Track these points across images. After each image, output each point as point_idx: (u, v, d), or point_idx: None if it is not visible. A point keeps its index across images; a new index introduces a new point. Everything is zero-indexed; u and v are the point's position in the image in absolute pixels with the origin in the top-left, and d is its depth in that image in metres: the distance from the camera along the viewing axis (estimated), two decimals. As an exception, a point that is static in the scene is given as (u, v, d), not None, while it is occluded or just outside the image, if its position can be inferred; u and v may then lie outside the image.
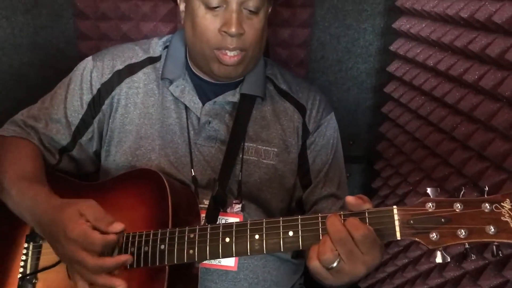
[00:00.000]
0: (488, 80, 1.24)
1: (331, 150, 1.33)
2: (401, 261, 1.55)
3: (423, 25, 1.59)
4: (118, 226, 0.99)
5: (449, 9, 1.41)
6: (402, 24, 1.72)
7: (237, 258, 1.20)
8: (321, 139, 1.32)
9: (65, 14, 1.75)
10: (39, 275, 1.14)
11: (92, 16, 1.76)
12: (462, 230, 0.84)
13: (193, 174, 1.24)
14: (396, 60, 1.79)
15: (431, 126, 1.52)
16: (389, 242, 1.59)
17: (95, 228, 0.98)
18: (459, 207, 0.86)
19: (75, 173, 1.34)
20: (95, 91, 1.28)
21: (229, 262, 1.20)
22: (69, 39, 1.78)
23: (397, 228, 0.88)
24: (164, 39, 1.35)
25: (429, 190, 0.89)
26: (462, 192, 0.88)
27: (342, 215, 0.91)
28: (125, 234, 1.06)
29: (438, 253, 0.87)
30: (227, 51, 1.16)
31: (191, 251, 1.00)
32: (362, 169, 2.05)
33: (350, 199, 0.91)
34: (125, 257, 0.99)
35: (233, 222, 1.00)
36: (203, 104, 1.27)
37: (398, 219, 0.88)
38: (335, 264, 0.88)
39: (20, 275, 1.14)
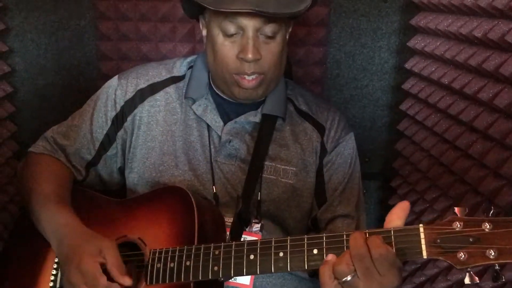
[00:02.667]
0: (503, 99, 1.25)
1: (348, 169, 1.34)
2: (418, 278, 1.54)
3: (438, 43, 1.60)
4: (127, 280, 1.03)
5: (463, 28, 1.43)
6: (417, 42, 1.74)
7: (252, 277, 1.21)
8: (338, 158, 1.33)
9: (87, 36, 1.81)
10: None
11: (113, 38, 1.81)
12: (492, 251, 0.82)
13: (214, 191, 1.27)
14: (412, 78, 1.80)
15: (447, 143, 1.53)
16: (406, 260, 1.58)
17: (108, 270, 1.03)
18: (488, 226, 0.83)
19: (101, 189, 1.38)
20: (118, 108, 1.33)
21: (245, 281, 1.21)
22: (91, 60, 1.84)
23: (423, 247, 0.86)
24: (189, 59, 1.39)
25: (456, 210, 0.87)
26: (491, 212, 0.85)
27: (367, 233, 0.90)
28: (151, 250, 1.10)
29: (467, 275, 0.84)
30: (245, 76, 1.20)
31: (215, 268, 1.02)
32: (379, 186, 2.05)
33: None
34: None
35: (257, 240, 1.01)
36: (225, 123, 1.30)
37: (424, 238, 0.87)
38: (349, 278, 0.88)
39: None
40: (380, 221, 2.06)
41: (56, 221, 1.15)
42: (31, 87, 1.83)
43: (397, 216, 0.91)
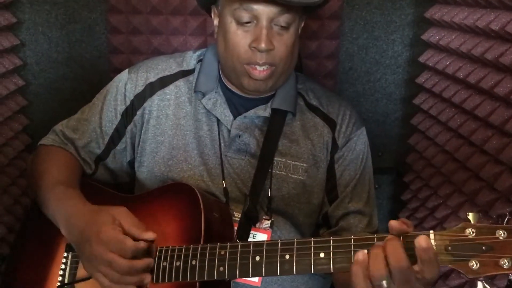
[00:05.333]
0: (520, 94, 1.23)
1: (360, 165, 1.32)
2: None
3: (453, 36, 1.57)
4: (150, 234, 1.05)
5: (479, 21, 1.40)
6: (432, 35, 1.71)
7: None
8: (350, 154, 1.32)
9: (98, 29, 1.81)
10: (76, 285, 1.17)
11: (124, 31, 1.80)
12: (505, 260, 0.78)
13: (224, 186, 1.26)
14: (426, 72, 1.77)
15: (461, 139, 1.50)
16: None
17: (127, 234, 1.03)
18: (503, 234, 0.80)
19: (111, 183, 1.39)
20: (128, 102, 1.32)
21: (253, 278, 1.20)
22: (102, 53, 1.84)
23: None
24: (199, 52, 1.38)
25: (470, 216, 0.84)
26: (506, 219, 0.82)
27: (376, 238, 0.88)
28: (158, 248, 1.09)
29: (479, 283, 0.82)
30: (256, 66, 1.18)
31: (221, 268, 1.01)
32: (391, 181, 2.03)
33: (393, 223, 0.87)
34: (150, 260, 1.04)
35: (264, 241, 1.00)
36: (234, 117, 1.29)
37: (435, 245, 0.83)
38: (384, 283, 0.83)
39: (58, 284, 1.18)
40: (391, 215, 2.06)
41: (63, 204, 1.15)
42: (42, 80, 1.84)
43: (405, 228, 0.87)
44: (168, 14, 1.79)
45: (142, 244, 1.03)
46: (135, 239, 1.03)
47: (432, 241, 0.84)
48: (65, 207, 1.14)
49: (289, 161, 1.28)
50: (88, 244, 1.04)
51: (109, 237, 1.02)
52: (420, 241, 0.82)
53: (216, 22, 1.26)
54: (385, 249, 0.84)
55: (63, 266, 1.19)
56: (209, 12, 1.30)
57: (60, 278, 1.18)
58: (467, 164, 1.43)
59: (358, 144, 1.33)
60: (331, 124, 1.32)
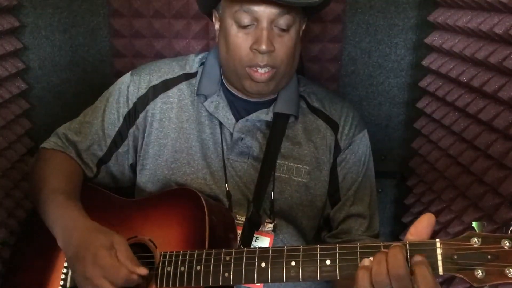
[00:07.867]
0: (524, 98, 1.22)
1: (362, 168, 1.32)
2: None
3: (456, 40, 1.57)
4: (143, 270, 1.03)
5: (483, 24, 1.39)
6: (435, 39, 1.70)
7: None
8: (352, 157, 1.31)
9: (101, 33, 1.81)
10: None
11: (127, 35, 1.80)
12: (511, 269, 0.80)
13: (227, 189, 1.26)
14: (429, 75, 1.77)
15: (465, 143, 1.49)
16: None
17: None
18: (508, 244, 0.81)
19: (113, 186, 1.38)
20: (131, 105, 1.32)
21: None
22: (105, 57, 1.84)
23: (440, 263, 0.84)
24: (201, 56, 1.38)
25: (474, 224, 0.85)
26: (511, 228, 0.83)
27: (382, 246, 0.88)
28: (162, 252, 1.08)
29: None
30: (258, 68, 1.18)
31: (226, 274, 1.01)
32: (394, 184, 2.02)
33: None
34: None
35: (269, 247, 1.00)
36: (237, 120, 1.28)
37: (441, 253, 0.84)
38: None
39: None
40: (395, 219, 2.05)
41: (62, 215, 1.15)
42: (45, 84, 1.84)
43: (425, 231, 0.88)
44: (170, 17, 1.79)
45: (135, 277, 1.03)
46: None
47: (438, 250, 0.85)
48: (63, 220, 1.14)
49: (291, 164, 1.28)
50: (83, 264, 1.04)
51: (106, 262, 1.02)
52: (419, 267, 0.83)
53: (217, 26, 1.26)
54: (387, 255, 0.85)
55: (64, 270, 1.19)
56: (210, 17, 1.30)
57: (62, 283, 1.18)
58: (471, 168, 1.42)
59: (361, 147, 1.33)
60: (334, 126, 1.32)
